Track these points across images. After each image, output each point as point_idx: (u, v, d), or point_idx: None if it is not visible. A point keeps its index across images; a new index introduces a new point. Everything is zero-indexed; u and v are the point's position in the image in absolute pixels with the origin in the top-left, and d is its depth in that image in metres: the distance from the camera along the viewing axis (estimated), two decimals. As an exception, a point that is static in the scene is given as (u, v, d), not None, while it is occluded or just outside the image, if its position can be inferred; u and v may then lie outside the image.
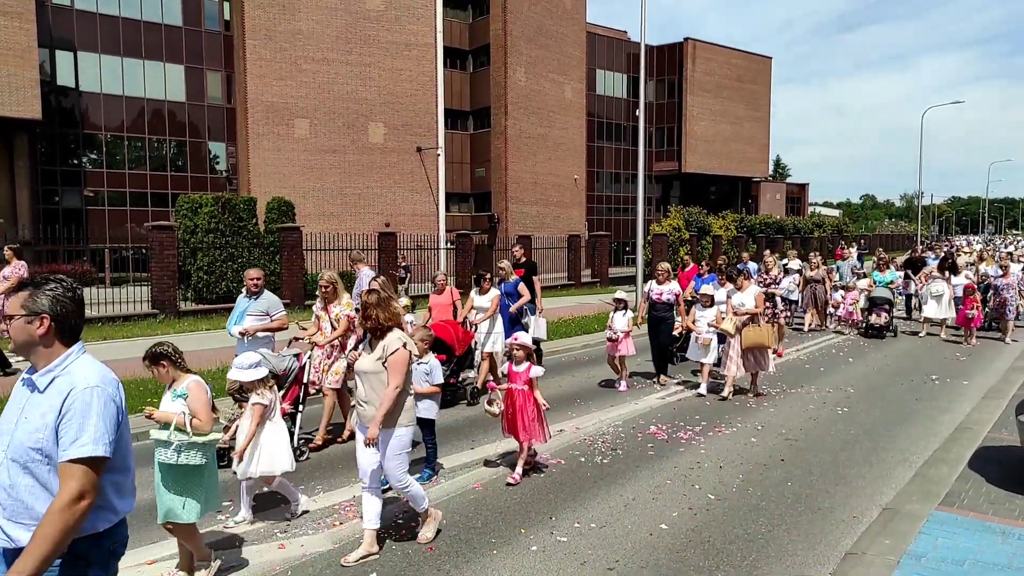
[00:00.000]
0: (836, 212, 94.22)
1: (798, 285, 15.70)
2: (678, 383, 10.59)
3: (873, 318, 15.09)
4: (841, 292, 16.01)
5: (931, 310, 15.17)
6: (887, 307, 15.10)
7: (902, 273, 17.43)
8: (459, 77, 40.87)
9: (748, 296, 9.64)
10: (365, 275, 10.41)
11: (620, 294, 10.12)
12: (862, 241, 40.39)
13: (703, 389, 9.76)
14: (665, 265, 10.62)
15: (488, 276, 10.09)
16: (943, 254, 19.80)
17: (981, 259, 19.42)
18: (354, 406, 5.03)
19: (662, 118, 52.49)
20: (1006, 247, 40.90)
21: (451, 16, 39.35)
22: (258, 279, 7.59)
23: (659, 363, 10.62)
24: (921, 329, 15.61)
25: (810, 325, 16.06)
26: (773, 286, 13.03)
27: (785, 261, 17.18)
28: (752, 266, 17.23)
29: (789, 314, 15.06)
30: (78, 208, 31.71)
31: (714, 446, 7.37)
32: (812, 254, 17.65)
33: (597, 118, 48.70)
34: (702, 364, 9.84)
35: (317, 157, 33.19)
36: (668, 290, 10.25)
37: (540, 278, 12.20)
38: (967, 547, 4.78)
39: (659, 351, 10.55)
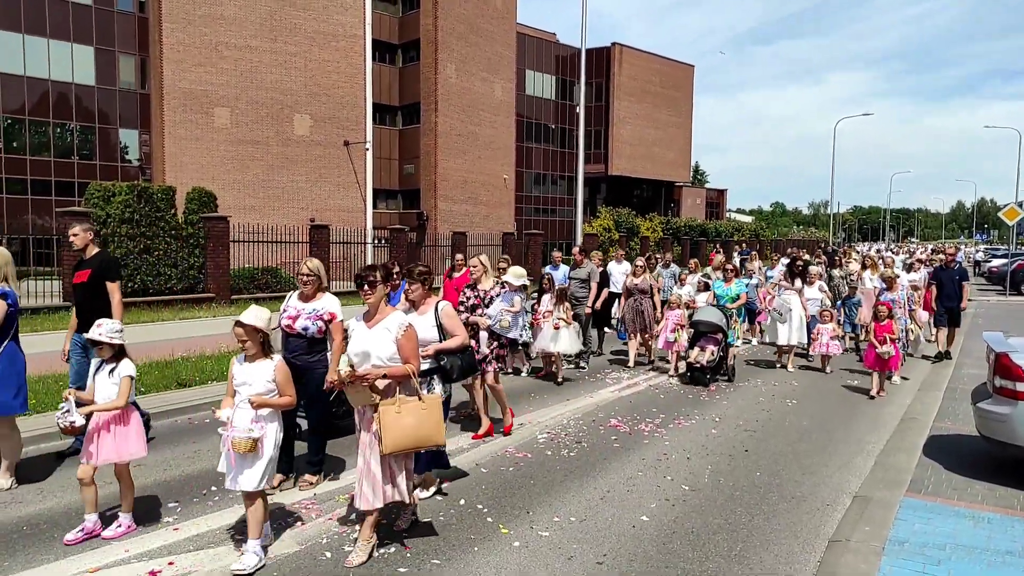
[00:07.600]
0: (749, 218, 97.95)
1: (522, 311, 7.93)
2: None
3: (695, 353, 9.94)
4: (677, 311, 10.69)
5: (783, 334, 11.07)
6: (718, 336, 9.99)
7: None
8: (388, 71, 40.13)
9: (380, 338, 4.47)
10: None
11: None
12: (743, 244, 34.00)
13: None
14: (314, 264, 5.53)
15: None
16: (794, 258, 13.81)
17: (864, 267, 14.52)
18: None
19: (590, 121, 53.02)
20: (895, 253, 34.94)
21: (380, 9, 38.59)
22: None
23: (310, 441, 5.78)
24: (777, 360, 11.59)
25: (637, 357, 11.26)
26: (480, 311, 7.19)
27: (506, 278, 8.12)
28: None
29: (521, 365, 10.27)
30: (-29, 195, 29.37)
31: (677, 438, 7.30)
32: (639, 257, 12.47)
33: (526, 118, 48.83)
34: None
35: (238, 148, 31.82)
36: (311, 311, 5.45)
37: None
38: (944, 531, 4.84)
39: (314, 420, 5.78)
